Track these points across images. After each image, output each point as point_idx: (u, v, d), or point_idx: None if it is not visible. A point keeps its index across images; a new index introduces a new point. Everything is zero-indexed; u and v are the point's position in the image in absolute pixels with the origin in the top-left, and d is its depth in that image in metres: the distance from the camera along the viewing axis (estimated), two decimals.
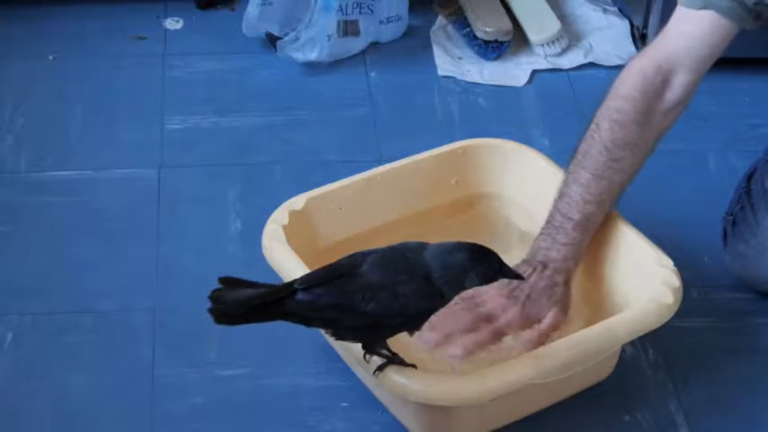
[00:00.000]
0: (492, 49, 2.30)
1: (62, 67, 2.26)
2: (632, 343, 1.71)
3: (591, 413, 1.64)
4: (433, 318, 1.47)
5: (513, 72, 2.28)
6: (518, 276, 1.48)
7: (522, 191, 1.81)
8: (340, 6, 2.24)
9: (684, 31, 1.61)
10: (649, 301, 1.57)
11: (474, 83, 2.25)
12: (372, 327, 1.43)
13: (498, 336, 1.58)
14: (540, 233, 1.64)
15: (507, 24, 2.30)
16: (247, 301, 1.40)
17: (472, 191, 1.84)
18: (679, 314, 1.58)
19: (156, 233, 1.91)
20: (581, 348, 1.52)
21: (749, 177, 1.81)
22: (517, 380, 1.49)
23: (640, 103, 1.61)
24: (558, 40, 2.31)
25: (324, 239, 1.73)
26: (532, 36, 2.32)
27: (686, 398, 1.68)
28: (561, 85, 2.25)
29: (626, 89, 1.62)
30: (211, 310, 1.40)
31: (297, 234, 1.65)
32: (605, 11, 2.41)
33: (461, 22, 2.34)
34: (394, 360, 1.48)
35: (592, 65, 2.30)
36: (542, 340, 1.56)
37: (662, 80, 1.62)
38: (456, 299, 1.48)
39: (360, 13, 2.27)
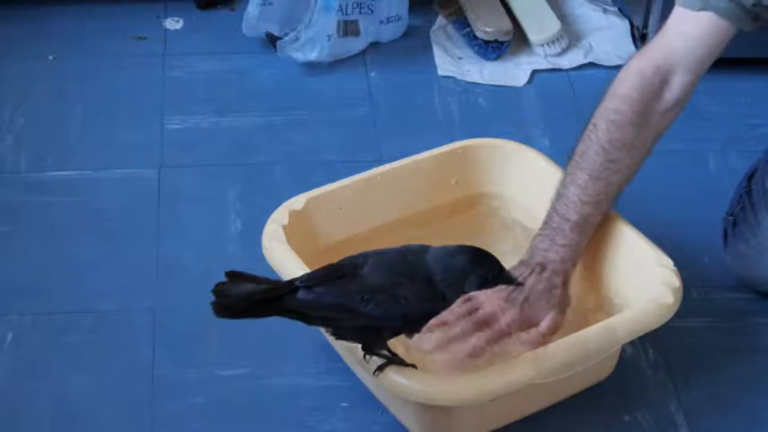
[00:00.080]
0: (492, 49, 2.30)
1: (62, 67, 2.26)
2: (632, 343, 1.71)
3: (591, 413, 1.64)
4: (432, 321, 1.47)
5: (513, 72, 2.28)
6: (515, 282, 1.48)
7: (523, 191, 1.81)
8: (340, 6, 2.24)
9: (683, 31, 1.61)
10: (649, 301, 1.57)
11: (474, 83, 2.25)
12: (371, 328, 1.43)
13: (496, 339, 1.57)
14: (538, 234, 1.64)
15: (507, 24, 2.30)
16: (248, 296, 1.41)
17: (472, 191, 1.84)
18: (679, 314, 1.58)
19: (156, 233, 1.91)
20: (581, 348, 1.52)
21: (750, 177, 1.81)
22: (517, 380, 1.49)
23: (638, 104, 1.61)
24: (558, 40, 2.31)
25: (324, 239, 1.73)
26: (532, 36, 2.32)
27: (686, 398, 1.68)
28: (561, 85, 2.26)
29: (624, 89, 1.62)
30: (213, 303, 1.41)
31: (297, 234, 1.65)
32: (605, 11, 2.41)
33: (461, 22, 2.34)
34: (394, 360, 1.48)
35: (592, 65, 2.30)
36: (541, 342, 1.56)
37: (660, 80, 1.62)
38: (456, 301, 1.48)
39: (360, 13, 2.27)
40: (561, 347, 1.52)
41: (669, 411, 1.66)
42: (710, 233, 1.86)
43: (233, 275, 1.44)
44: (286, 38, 2.25)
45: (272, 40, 2.28)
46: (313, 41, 2.24)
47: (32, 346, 1.72)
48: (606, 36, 2.36)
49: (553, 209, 1.64)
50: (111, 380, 1.68)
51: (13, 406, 1.65)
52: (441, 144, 1.84)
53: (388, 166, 1.79)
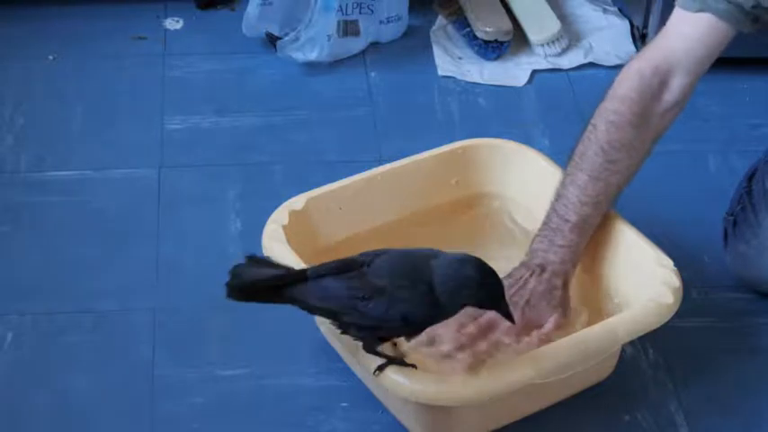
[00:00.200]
0: (492, 49, 2.30)
1: (62, 67, 2.26)
2: (632, 343, 1.71)
3: (591, 413, 1.64)
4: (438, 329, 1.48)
5: (513, 72, 2.28)
6: (510, 317, 1.46)
7: (523, 191, 1.81)
8: (340, 6, 2.24)
9: (682, 32, 1.61)
10: (649, 301, 1.57)
11: (474, 83, 2.25)
12: (370, 326, 1.43)
13: (498, 344, 1.57)
14: (537, 235, 1.64)
15: (507, 24, 2.30)
16: (260, 281, 1.43)
17: (472, 191, 1.84)
18: (679, 314, 1.58)
19: (156, 233, 1.91)
20: (581, 348, 1.52)
21: (750, 177, 1.81)
22: (517, 380, 1.49)
23: (637, 105, 1.61)
24: (558, 40, 2.31)
25: (324, 239, 1.73)
26: (532, 36, 2.32)
27: (686, 398, 1.68)
28: (561, 85, 2.25)
29: (623, 90, 1.62)
30: (226, 284, 1.42)
31: (297, 234, 1.65)
32: (605, 11, 2.41)
33: (461, 22, 2.34)
34: (394, 360, 1.48)
35: (592, 65, 2.30)
36: (544, 345, 1.56)
37: (659, 81, 1.62)
38: None
39: (360, 13, 2.27)
40: (561, 347, 1.52)
41: (669, 411, 1.66)
42: (710, 233, 1.86)
43: (253, 259, 1.46)
44: (286, 38, 2.25)
45: (272, 40, 2.28)
46: (313, 41, 2.24)
47: (32, 346, 1.72)
48: (606, 36, 2.36)
49: (552, 209, 1.64)
50: (111, 380, 1.68)
51: (13, 406, 1.65)
52: (441, 144, 1.84)
53: (388, 166, 1.79)
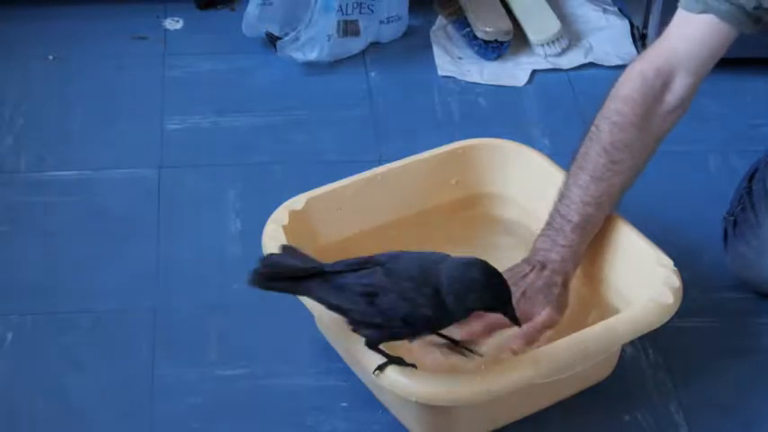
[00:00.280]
0: (492, 49, 2.30)
1: (62, 67, 2.26)
2: (632, 343, 1.71)
3: (591, 413, 1.64)
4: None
5: (513, 72, 2.28)
6: (516, 321, 1.46)
7: (522, 191, 1.81)
8: (340, 6, 2.24)
9: (684, 34, 1.62)
10: (649, 301, 1.57)
11: (474, 83, 2.25)
12: (375, 325, 1.44)
13: (490, 331, 1.57)
14: (540, 234, 1.65)
15: (507, 24, 2.30)
16: (283, 271, 1.45)
17: (472, 191, 1.84)
18: (679, 314, 1.58)
19: (156, 233, 1.91)
20: (581, 348, 1.52)
21: (750, 177, 1.81)
22: (517, 380, 1.49)
23: (640, 106, 1.61)
24: (558, 40, 2.31)
25: (324, 239, 1.73)
26: (532, 36, 2.32)
27: (686, 398, 1.68)
28: (561, 85, 2.25)
29: (626, 91, 1.62)
30: (255, 270, 1.45)
31: (297, 234, 1.65)
32: (605, 11, 2.41)
33: (461, 22, 2.34)
34: (394, 360, 1.48)
35: (592, 65, 2.30)
36: (533, 336, 1.56)
37: (662, 83, 1.62)
38: None
39: (360, 13, 2.27)
40: (561, 347, 1.52)
41: (669, 411, 1.66)
42: (710, 233, 1.86)
43: (287, 249, 1.50)
44: (286, 38, 2.25)
45: (272, 40, 2.28)
46: (313, 41, 2.24)
47: (32, 346, 1.72)
48: (606, 36, 2.36)
49: (555, 210, 1.64)
50: (111, 380, 1.68)
51: (12, 406, 1.65)
52: (441, 144, 1.84)
53: (388, 166, 1.79)
